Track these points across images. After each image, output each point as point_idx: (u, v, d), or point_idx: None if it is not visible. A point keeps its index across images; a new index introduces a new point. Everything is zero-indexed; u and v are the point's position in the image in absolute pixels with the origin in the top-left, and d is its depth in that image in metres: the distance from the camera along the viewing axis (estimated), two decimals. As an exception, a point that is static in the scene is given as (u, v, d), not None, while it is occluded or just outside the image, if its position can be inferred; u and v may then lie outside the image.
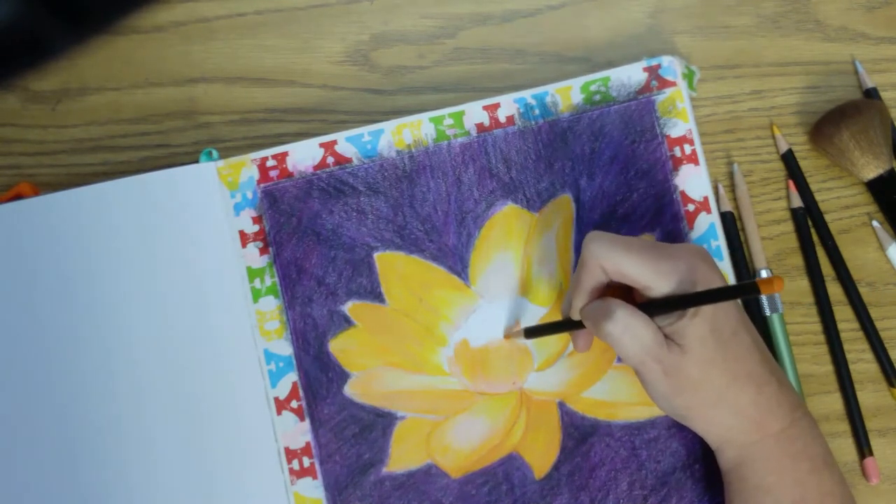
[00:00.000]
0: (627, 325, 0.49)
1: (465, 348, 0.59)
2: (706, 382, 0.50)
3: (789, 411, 0.51)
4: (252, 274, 0.59)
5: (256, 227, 0.59)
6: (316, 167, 0.60)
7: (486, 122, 0.60)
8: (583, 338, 0.55)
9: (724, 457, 0.52)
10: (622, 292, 0.52)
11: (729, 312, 0.50)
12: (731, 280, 0.59)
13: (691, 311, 0.49)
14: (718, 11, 0.63)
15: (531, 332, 0.57)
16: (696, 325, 0.49)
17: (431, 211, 0.59)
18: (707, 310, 0.49)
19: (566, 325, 0.54)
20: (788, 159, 0.61)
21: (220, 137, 0.62)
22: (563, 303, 0.56)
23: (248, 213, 0.59)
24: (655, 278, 0.50)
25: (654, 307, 0.50)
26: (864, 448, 0.59)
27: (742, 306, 0.53)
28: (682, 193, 0.59)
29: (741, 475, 0.51)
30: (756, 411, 0.50)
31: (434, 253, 0.59)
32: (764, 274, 0.59)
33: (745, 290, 0.49)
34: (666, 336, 0.50)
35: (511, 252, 0.59)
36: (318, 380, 0.58)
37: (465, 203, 0.59)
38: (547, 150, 0.60)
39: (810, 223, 0.61)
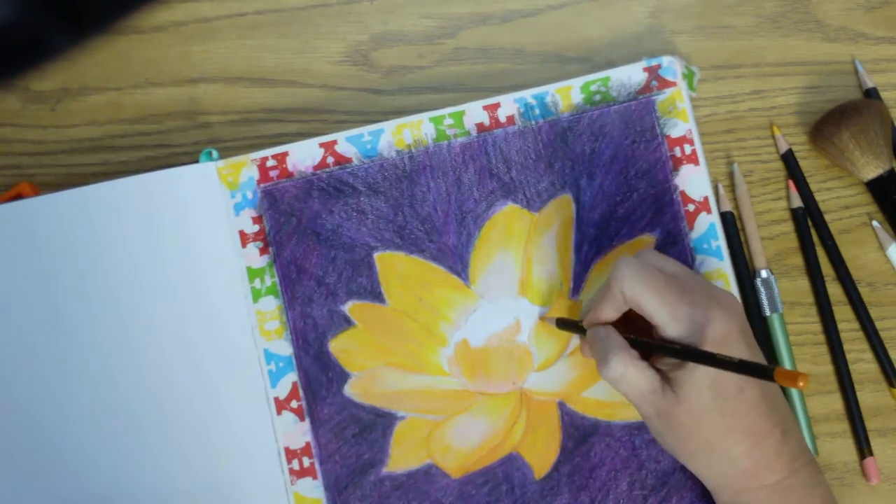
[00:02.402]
0: (623, 374, 0.50)
1: (465, 348, 0.59)
2: (698, 432, 0.50)
3: (788, 463, 0.50)
4: (252, 274, 0.59)
5: (256, 227, 0.59)
6: (316, 167, 0.60)
7: (487, 121, 0.60)
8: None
9: (719, 499, 0.52)
10: (643, 319, 0.52)
11: None
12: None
13: (692, 363, 0.49)
14: (718, 11, 0.63)
15: (562, 324, 0.57)
16: (695, 378, 0.49)
17: (431, 211, 0.59)
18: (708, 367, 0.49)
19: (583, 330, 0.55)
20: (788, 159, 0.61)
21: (220, 137, 0.62)
22: (583, 305, 0.56)
23: (248, 213, 0.59)
24: (668, 320, 0.49)
25: (660, 348, 0.50)
26: (864, 448, 0.59)
27: (759, 354, 0.51)
28: (683, 193, 0.59)
29: None
30: (750, 463, 0.50)
31: (434, 253, 0.59)
32: (764, 274, 0.59)
33: (756, 372, 0.45)
34: (666, 379, 0.50)
35: (511, 252, 0.59)
36: (318, 380, 0.58)
37: (465, 203, 0.59)
38: (547, 150, 0.60)
39: (810, 223, 0.61)
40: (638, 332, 0.52)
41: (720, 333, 0.49)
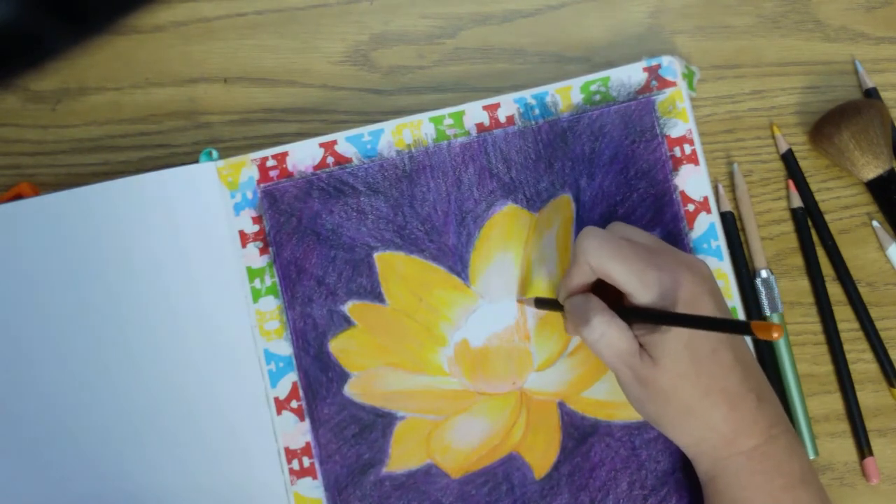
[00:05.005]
0: (603, 333, 0.50)
1: (465, 348, 0.59)
2: (676, 396, 0.50)
3: (765, 428, 0.50)
4: (252, 274, 0.59)
5: (256, 227, 0.59)
6: (316, 167, 0.60)
7: (486, 122, 0.60)
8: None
9: (699, 468, 0.53)
10: (613, 288, 0.52)
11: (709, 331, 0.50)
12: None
13: (665, 327, 0.49)
14: (718, 11, 0.63)
15: (540, 303, 0.57)
16: (669, 340, 0.49)
17: (431, 211, 0.59)
18: (682, 328, 0.49)
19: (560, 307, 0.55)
20: (788, 159, 0.61)
21: (220, 137, 0.62)
22: (557, 287, 0.56)
23: (248, 213, 0.59)
24: (638, 287, 0.50)
25: (634, 314, 0.50)
26: (864, 448, 0.59)
27: None
28: (682, 193, 0.59)
29: (716, 488, 0.52)
30: (728, 428, 0.50)
31: (434, 253, 0.59)
32: (764, 274, 0.59)
33: (732, 327, 0.47)
34: (642, 345, 0.50)
35: (511, 252, 0.59)
36: (318, 380, 0.58)
37: (465, 203, 0.59)
38: (547, 150, 0.60)
39: (810, 223, 0.61)
40: (609, 305, 0.52)
41: (691, 295, 0.49)
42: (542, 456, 0.58)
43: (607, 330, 0.50)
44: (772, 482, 0.50)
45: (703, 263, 0.52)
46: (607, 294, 0.53)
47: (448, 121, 0.60)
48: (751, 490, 0.50)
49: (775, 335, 0.41)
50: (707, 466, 0.52)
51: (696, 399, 0.50)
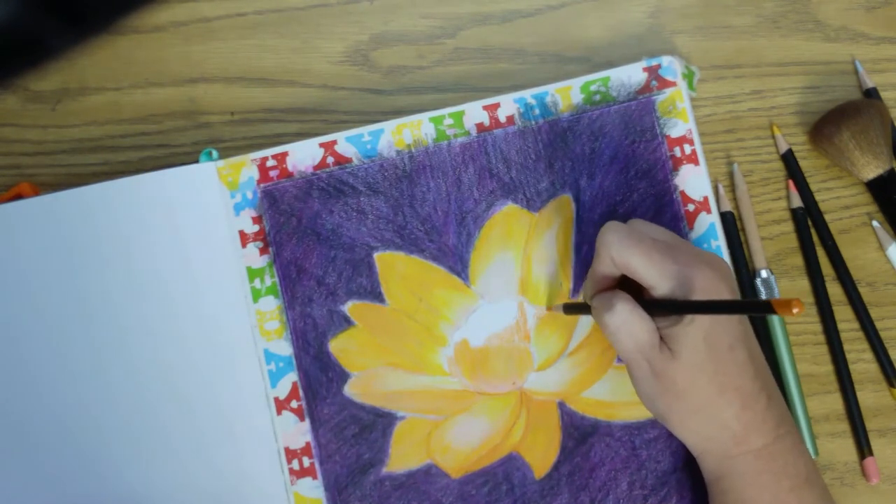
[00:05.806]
0: (625, 321, 0.50)
1: (465, 348, 0.59)
2: (691, 390, 0.50)
3: (773, 428, 0.51)
4: (252, 274, 0.59)
5: (256, 227, 0.59)
6: (316, 167, 0.60)
7: (486, 122, 0.60)
8: None
9: (704, 467, 0.53)
10: (636, 286, 0.52)
11: (728, 326, 0.50)
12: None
13: (688, 318, 0.49)
14: (718, 11, 0.63)
15: (569, 308, 0.57)
16: (690, 332, 0.49)
17: (431, 211, 0.59)
18: (703, 320, 0.49)
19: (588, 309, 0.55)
20: (788, 159, 0.61)
21: (220, 137, 0.62)
22: (582, 290, 0.57)
23: (248, 213, 0.59)
24: (658, 278, 0.50)
25: (655, 307, 0.50)
26: (864, 448, 0.59)
27: (747, 321, 0.52)
28: (682, 193, 0.59)
29: (722, 488, 0.52)
30: (738, 426, 0.50)
31: (434, 253, 0.59)
32: (764, 274, 0.59)
33: (752, 308, 0.49)
34: (662, 338, 0.50)
35: (511, 252, 0.59)
36: (318, 380, 0.58)
37: (465, 203, 0.59)
38: (547, 150, 0.60)
39: (810, 223, 0.61)
40: None
41: (708, 285, 0.49)
42: (542, 456, 0.58)
43: (629, 317, 0.50)
44: (779, 482, 0.50)
45: (721, 260, 0.52)
46: (630, 293, 0.53)
47: (448, 121, 0.60)
48: (756, 490, 0.51)
49: (795, 311, 0.41)
50: (713, 465, 0.52)
51: (711, 396, 0.50)
